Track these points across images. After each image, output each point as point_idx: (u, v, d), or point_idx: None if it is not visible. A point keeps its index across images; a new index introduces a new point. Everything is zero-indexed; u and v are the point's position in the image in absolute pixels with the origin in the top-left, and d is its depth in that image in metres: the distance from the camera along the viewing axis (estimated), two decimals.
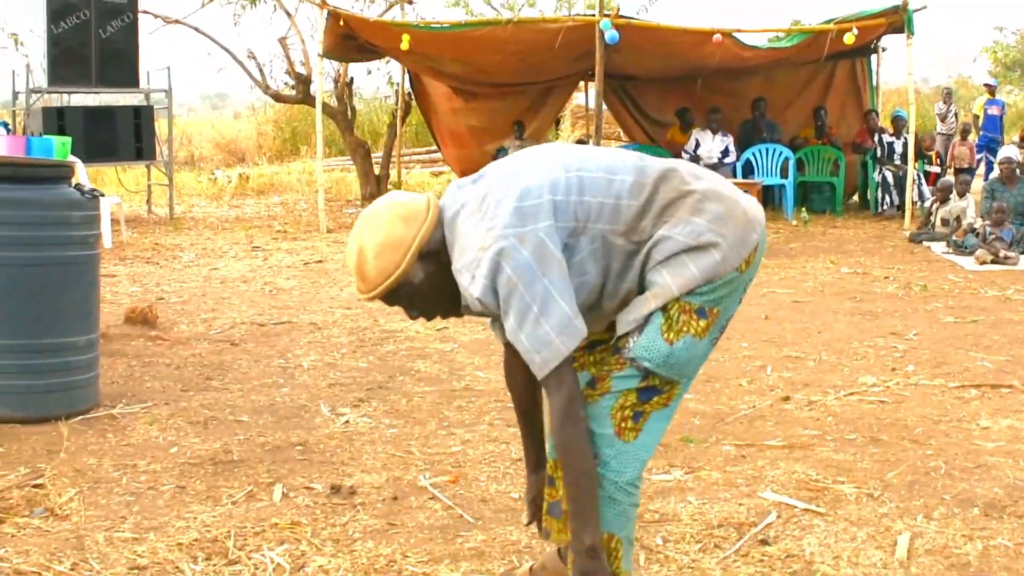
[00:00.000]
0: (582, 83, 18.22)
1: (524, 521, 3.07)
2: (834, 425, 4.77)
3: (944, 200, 12.00)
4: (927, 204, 13.02)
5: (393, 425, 4.75)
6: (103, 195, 4.76)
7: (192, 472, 4.09)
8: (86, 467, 4.11)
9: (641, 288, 2.60)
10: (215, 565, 3.23)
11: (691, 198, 2.58)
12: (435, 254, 2.60)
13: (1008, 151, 11.61)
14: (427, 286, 2.61)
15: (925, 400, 5.20)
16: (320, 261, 10.52)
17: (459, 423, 4.80)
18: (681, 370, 2.58)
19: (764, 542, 3.43)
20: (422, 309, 2.68)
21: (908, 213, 13.32)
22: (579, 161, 2.62)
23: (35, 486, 3.88)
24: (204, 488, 3.92)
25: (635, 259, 2.59)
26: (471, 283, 2.52)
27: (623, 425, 2.55)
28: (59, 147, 6.22)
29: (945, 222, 11.85)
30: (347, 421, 4.80)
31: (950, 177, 12.95)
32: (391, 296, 2.62)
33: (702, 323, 2.57)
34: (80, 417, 4.72)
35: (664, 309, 2.56)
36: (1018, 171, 11.38)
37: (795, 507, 3.74)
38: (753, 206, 2.65)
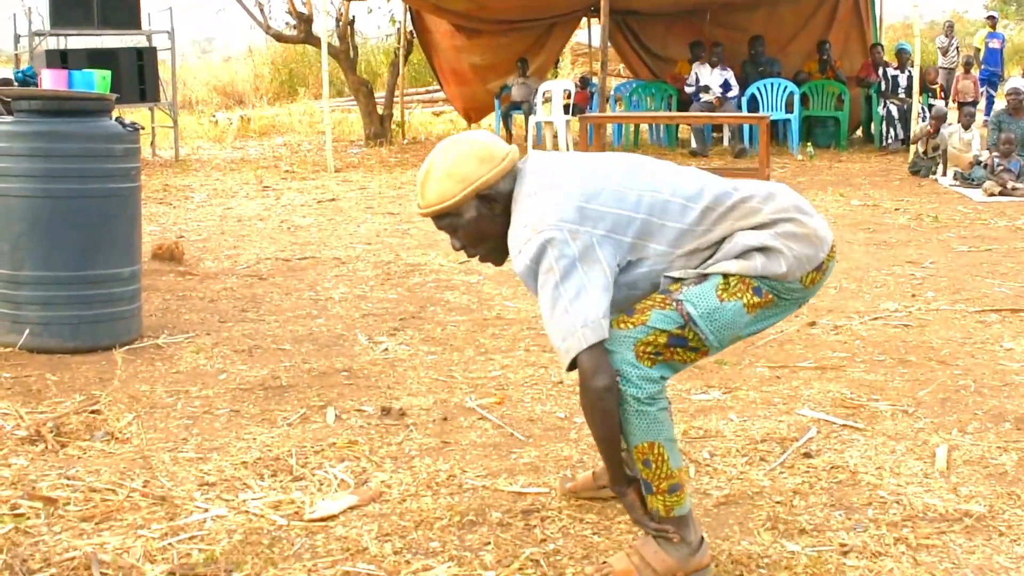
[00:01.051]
0: (584, 20, 18.18)
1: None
2: (862, 348, 4.88)
3: (937, 130, 12.07)
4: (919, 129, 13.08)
5: (432, 352, 4.86)
6: (142, 128, 4.82)
7: (244, 397, 4.20)
8: (140, 394, 4.22)
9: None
10: (281, 481, 3.35)
11: (759, 216, 2.65)
12: (494, 201, 2.71)
13: (1016, 82, 11.65)
14: (475, 226, 2.73)
15: (948, 324, 5.31)
16: (333, 199, 10.58)
17: (496, 349, 4.91)
18: (718, 331, 2.61)
19: (807, 455, 3.56)
20: (464, 244, 2.80)
21: (913, 146, 13.37)
22: (655, 181, 2.69)
23: (92, 412, 3.98)
24: (258, 412, 4.03)
25: (695, 261, 2.67)
26: (516, 256, 2.63)
27: (643, 355, 2.59)
28: (100, 80, 6.26)
29: (935, 148, 11.93)
30: (386, 349, 4.91)
31: (942, 105, 12.99)
32: (440, 220, 2.75)
33: (755, 299, 2.62)
34: (127, 347, 4.82)
35: (724, 276, 2.63)
36: None
37: (833, 423, 3.86)
38: (824, 227, 2.71)
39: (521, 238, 2.62)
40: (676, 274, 2.65)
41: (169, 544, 2.90)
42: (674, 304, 2.60)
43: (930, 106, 14.34)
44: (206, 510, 3.12)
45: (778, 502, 3.18)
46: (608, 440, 2.62)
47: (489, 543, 2.90)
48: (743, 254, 2.62)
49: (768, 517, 3.06)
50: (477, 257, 2.83)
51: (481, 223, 2.73)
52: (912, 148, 13.06)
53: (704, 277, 2.63)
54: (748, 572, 2.73)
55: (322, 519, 3.06)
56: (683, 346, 2.61)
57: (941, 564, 2.78)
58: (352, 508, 3.14)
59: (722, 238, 2.66)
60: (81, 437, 3.75)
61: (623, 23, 16.46)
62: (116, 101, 4.82)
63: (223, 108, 24.26)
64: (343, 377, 4.47)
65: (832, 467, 3.45)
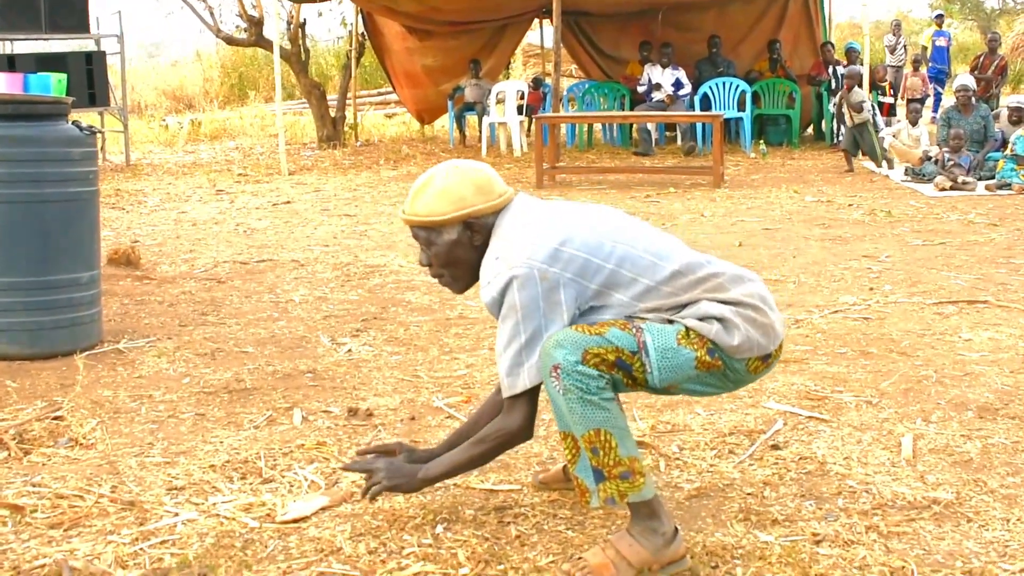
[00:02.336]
0: (535, 21, 18.22)
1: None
2: (823, 341, 4.93)
3: (851, 88, 12.26)
4: (881, 133, 13.24)
5: (396, 352, 4.85)
6: (101, 132, 4.75)
7: (209, 400, 4.16)
8: (103, 399, 4.17)
9: None
10: (251, 483, 3.32)
11: (726, 293, 2.74)
12: (476, 232, 2.81)
13: (964, 79, 11.81)
14: (450, 249, 2.82)
15: (907, 316, 5.37)
16: (288, 202, 10.52)
17: (460, 348, 4.90)
18: (664, 370, 2.65)
19: (776, 447, 3.58)
20: (432, 263, 2.89)
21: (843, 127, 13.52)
22: (632, 235, 2.77)
23: (55, 418, 3.93)
24: (224, 415, 4.00)
25: (656, 317, 2.74)
26: (485, 287, 2.75)
27: (589, 359, 2.60)
28: (56, 84, 6.19)
29: (859, 111, 12.10)
30: (350, 350, 4.89)
31: (856, 67, 13.16)
32: (419, 232, 2.85)
33: (707, 359, 2.68)
34: (88, 353, 4.76)
35: (685, 327, 2.69)
36: (973, 99, 11.58)
37: (799, 415, 3.89)
38: (780, 324, 2.80)
39: (491, 271, 2.73)
40: (641, 315, 2.73)
41: (140, 549, 2.86)
42: (634, 330, 2.66)
43: (879, 103, 14.53)
44: (176, 514, 3.09)
45: (749, 493, 3.19)
46: (472, 467, 2.93)
47: (463, 541, 2.89)
48: (703, 318, 2.70)
49: (740, 509, 3.08)
50: (439, 279, 2.93)
51: (457, 249, 2.82)
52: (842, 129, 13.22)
53: (668, 322, 2.71)
54: (723, 563, 2.74)
55: (294, 520, 3.04)
56: (626, 372, 2.65)
57: (913, 551, 2.81)
58: (324, 509, 3.12)
59: (685, 304, 2.73)
60: (45, 444, 3.70)
61: (575, 24, 16.51)
62: None
63: (173, 112, 24.07)
64: (308, 379, 4.44)
65: (800, 458, 3.47)
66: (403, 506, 3.12)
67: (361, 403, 4.10)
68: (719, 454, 3.54)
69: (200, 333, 5.19)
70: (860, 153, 12.61)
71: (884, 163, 12.17)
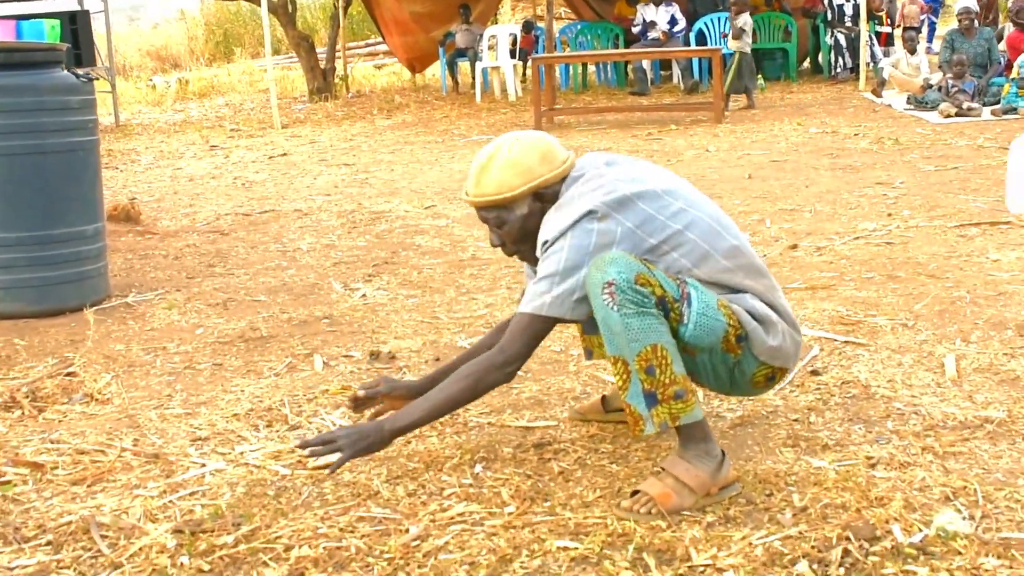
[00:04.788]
0: None
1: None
2: (848, 266, 4.81)
3: (737, 14, 12.14)
4: (880, 63, 13.06)
5: (412, 295, 4.72)
6: (97, 78, 4.59)
7: (225, 350, 4.04)
8: (115, 353, 4.05)
9: None
10: (278, 431, 3.20)
11: (772, 295, 2.69)
12: (547, 202, 2.69)
13: (966, 2, 11.60)
14: (522, 222, 2.70)
15: (930, 240, 5.25)
16: (285, 154, 10.35)
17: (477, 289, 4.78)
18: (699, 325, 2.53)
19: (815, 373, 3.47)
20: (505, 240, 2.76)
21: (863, 74, 13.36)
22: (698, 201, 2.70)
23: (67, 374, 3.80)
24: (242, 364, 3.88)
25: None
26: (542, 243, 2.63)
27: (639, 280, 2.49)
28: (49, 30, 6.00)
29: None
30: (364, 295, 4.76)
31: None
32: (488, 211, 2.72)
33: (734, 343, 2.60)
34: (96, 308, 4.63)
35: (728, 306, 2.60)
36: (976, 22, 11.39)
37: (835, 340, 3.78)
38: (799, 346, 2.77)
39: (552, 222, 2.63)
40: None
41: (170, 502, 2.75)
42: (679, 282, 2.57)
43: (877, 33, 14.34)
44: (203, 465, 2.97)
45: (795, 420, 3.09)
46: (451, 408, 2.70)
47: (505, 479, 2.78)
48: (749, 311, 2.63)
49: (788, 435, 2.97)
50: (517, 255, 2.82)
51: (530, 222, 2.71)
52: (861, 75, 13.04)
53: (712, 291, 2.62)
54: (777, 490, 2.64)
55: (327, 466, 2.92)
56: (664, 314, 2.53)
57: (972, 470, 2.70)
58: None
59: (736, 289, 2.65)
60: (59, 401, 3.57)
61: None
62: None
63: (159, 72, 23.75)
64: (325, 324, 4.32)
65: (843, 383, 3.36)
66: (438, 447, 3.01)
67: (382, 346, 3.98)
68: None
69: (209, 284, 5.06)
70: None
71: (729, 103, 11.88)
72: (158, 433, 3.23)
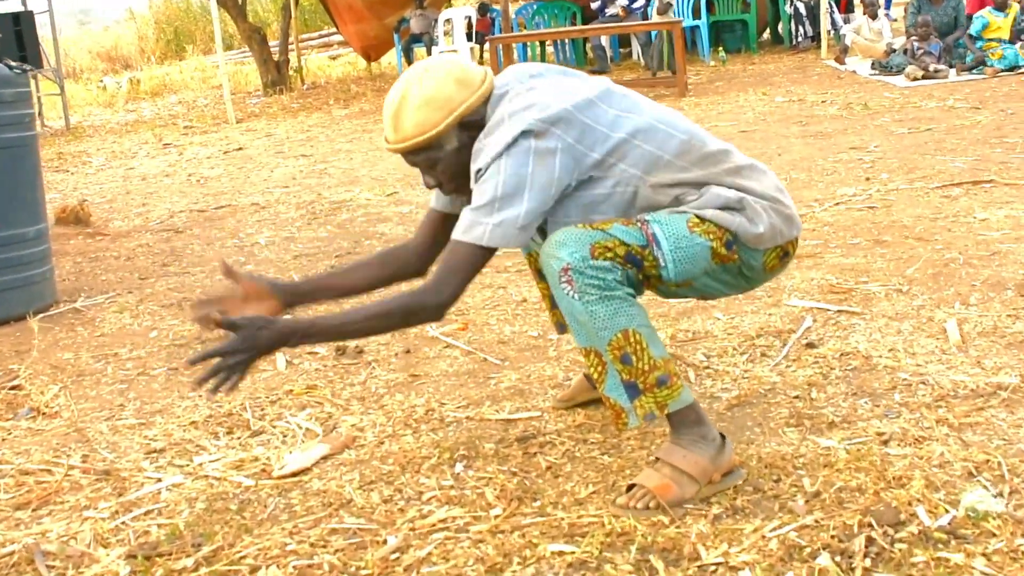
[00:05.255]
0: None
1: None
2: (832, 233, 4.61)
3: None
4: (841, 30, 12.89)
5: None
6: (32, 70, 4.31)
7: (181, 353, 3.78)
8: (63, 362, 3.78)
9: None
10: (240, 438, 2.96)
11: (741, 177, 2.40)
12: (476, 128, 2.38)
13: None
14: (455, 157, 2.40)
15: (913, 202, 5.07)
16: (240, 148, 10.06)
17: None
18: (679, 262, 2.31)
19: (811, 345, 3.26)
20: (442, 179, 2.46)
21: (825, 42, 13.20)
22: (637, 104, 2.42)
23: (12, 388, 3.54)
24: (199, 367, 3.61)
25: (663, 199, 2.38)
26: (475, 169, 2.33)
27: (598, 252, 2.26)
28: None
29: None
30: None
31: None
32: (416, 154, 2.41)
33: (723, 251, 2.35)
34: (42, 315, 4.36)
35: (698, 216, 2.34)
36: None
37: (828, 310, 3.57)
38: (797, 215, 2.48)
39: (483, 145, 2.33)
40: (649, 198, 2.38)
41: (122, 523, 2.50)
42: (639, 223, 2.31)
43: (836, 1, 14.16)
44: (159, 480, 2.72)
45: (795, 397, 2.87)
46: (360, 336, 2.47)
47: (489, 478, 2.55)
48: (723, 207, 2.35)
49: (790, 414, 2.76)
50: (456, 194, 2.50)
51: (463, 155, 2.40)
52: (822, 43, 12.85)
53: (677, 212, 2.35)
54: (785, 475, 2.42)
55: (293, 474, 2.68)
56: (637, 267, 2.30)
57: (992, 442, 2.50)
58: (325, 458, 2.76)
59: (697, 184, 2.38)
60: (2, 416, 3.31)
61: None
62: None
63: (109, 73, 23.30)
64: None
65: (842, 354, 3.15)
66: (414, 446, 2.78)
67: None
68: (751, 358, 3.21)
69: (163, 284, 4.79)
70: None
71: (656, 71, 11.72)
72: (109, 447, 2.98)
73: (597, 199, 2.36)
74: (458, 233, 2.30)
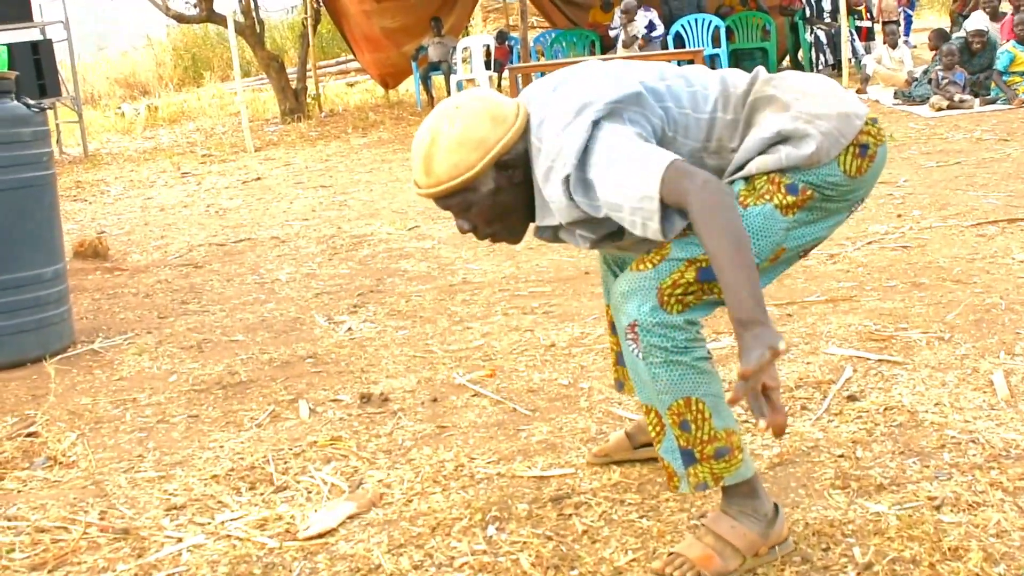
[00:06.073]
0: None
1: None
2: (867, 274, 4.50)
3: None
4: (863, 59, 12.79)
5: (401, 327, 4.38)
6: (50, 107, 4.24)
7: (201, 399, 3.69)
8: (81, 408, 3.69)
9: None
10: (263, 494, 2.86)
11: (776, 102, 2.20)
12: (514, 168, 2.24)
13: (977, 22, 10.86)
14: (491, 199, 2.24)
15: (948, 241, 4.95)
16: (259, 178, 10.00)
17: (471, 317, 4.44)
18: (755, 245, 2.15)
19: (852, 398, 3.15)
20: (477, 223, 2.30)
21: (846, 70, 13.10)
22: (660, 72, 2.26)
23: (28, 435, 3.45)
24: (220, 414, 3.53)
25: (721, 163, 2.24)
26: (546, 179, 2.17)
27: (669, 299, 2.13)
28: None
29: None
30: (350, 328, 4.42)
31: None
32: (450, 199, 2.25)
33: (790, 198, 2.15)
34: (59, 357, 4.27)
35: (747, 180, 2.18)
36: (987, 39, 10.82)
37: (868, 359, 3.46)
38: (853, 99, 2.24)
39: (547, 152, 2.17)
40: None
41: None
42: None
43: (857, 28, 14.08)
44: (180, 540, 2.62)
45: (840, 456, 2.76)
46: (736, 251, 1.94)
47: (523, 542, 2.45)
48: (765, 149, 2.17)
49: (835, 474, 2.65)
50: (491, 239, 2.34)
51: (500, 196, 2.24)
52: (843, 71, 12.74)
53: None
54: (834, 543, 2.31)
55: (319, 535, 2.58)
56: (713, 281, 2.13)
57: None
58: (352, 517, 2.66)
59: (747, 128, 2.21)
60: (18, 466, 3.22)
61: None
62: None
63: (127, 100, 23.35)
64: (309, 365, 3.97)
65: (886, 408, 3.04)
66: (444, 505, 2.67)
67: (373, 387, 3.64)
68: (792, 412, 3.10)
69: (182, 324, 4.70)
70: None
71: None
72: (128, 502, 2.88)
73: None
74: (650, 187, 2.02)
